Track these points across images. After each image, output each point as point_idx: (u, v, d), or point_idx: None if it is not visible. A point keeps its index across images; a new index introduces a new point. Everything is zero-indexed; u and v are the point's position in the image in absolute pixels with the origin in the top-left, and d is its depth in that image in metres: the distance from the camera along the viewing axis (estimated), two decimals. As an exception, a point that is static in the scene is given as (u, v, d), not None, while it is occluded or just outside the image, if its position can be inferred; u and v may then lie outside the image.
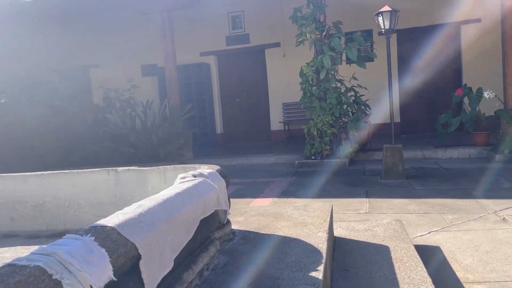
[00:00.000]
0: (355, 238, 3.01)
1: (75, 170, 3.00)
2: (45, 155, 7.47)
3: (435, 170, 6.17)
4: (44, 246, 1.24)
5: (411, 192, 4.99)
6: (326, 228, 2.52)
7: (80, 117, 8.14)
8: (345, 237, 3.05)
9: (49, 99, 7.87)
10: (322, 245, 2.25)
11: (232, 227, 2.61)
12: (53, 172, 3.16)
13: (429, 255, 3.03)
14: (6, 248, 3.01)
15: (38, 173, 3.17)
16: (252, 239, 2.48)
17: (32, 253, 1.20)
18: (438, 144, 7.37)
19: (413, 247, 2.76)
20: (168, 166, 2.86)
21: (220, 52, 10.82)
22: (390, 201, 4.63)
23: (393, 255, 2.63)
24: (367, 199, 4.77)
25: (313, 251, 2.19)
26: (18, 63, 8.70)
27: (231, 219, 2.68)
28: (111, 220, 1.43)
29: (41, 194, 3.03)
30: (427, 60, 9.59)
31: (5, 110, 7.41)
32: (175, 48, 8.56)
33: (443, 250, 3.16)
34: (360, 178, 5.99)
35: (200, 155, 8.68)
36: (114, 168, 2.89)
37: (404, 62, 9.65)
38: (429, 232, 3.56)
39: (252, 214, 3.07)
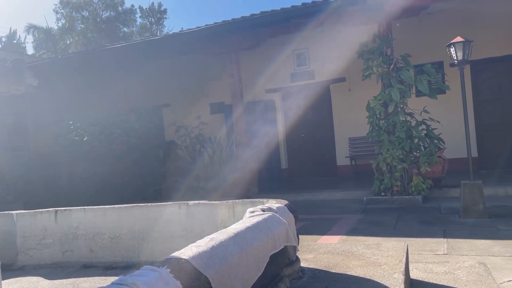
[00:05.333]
0: (434, 282, 2.79)
1: (149, 204, 3.13)
2: (120, 190, 7.92)
3: (521, 209, 5.62)
4: (123, 276, 1.29)
5: (495, 232, 4.57)
6: (402, 269, 2.37)
7: (153, 153, 8.58)
8: (423, 279, 2.84)
9: (125, 137, 8.41)
10: (398, 287, 2.11)
11: (300, 265, 2.55)
12: (129, 205, 3.32)
13: (522, 304, 2.71)
14: (85, 278, 3.18)
15: (116, 206, 3.35)
16: (322, 278, 2.39)
17: (112, 283, 1.25)
18: (523, 180, 6.76)
19: (502, 294, 2.50)
20: (236, 201, 2.89)
21: (285, 89, 10.97)
22: (471, 242, 4.27)
23: (479, 302, 2.39)
24: (445, 239, 4.44)
25: (389, 294, 2.05)
26: (100, 105, 9.47)
27: (299, 256, 2.62)
28: (185, 253, 1.45)
29: (118, 226, 3.19)
30: (504, 90, 8.99)
31: (88, 147, 8.03)
32: (242, 86, 8.83)
33: (538, 299, 2.82)
34: (435, 216, 5.62)
35: (265, 190, 8.68)
36: (185, 202, 2.98)
37: (479, 93, 9.12)
38: (519, 278, 3.21)
39: (321, 252, 2.98)
